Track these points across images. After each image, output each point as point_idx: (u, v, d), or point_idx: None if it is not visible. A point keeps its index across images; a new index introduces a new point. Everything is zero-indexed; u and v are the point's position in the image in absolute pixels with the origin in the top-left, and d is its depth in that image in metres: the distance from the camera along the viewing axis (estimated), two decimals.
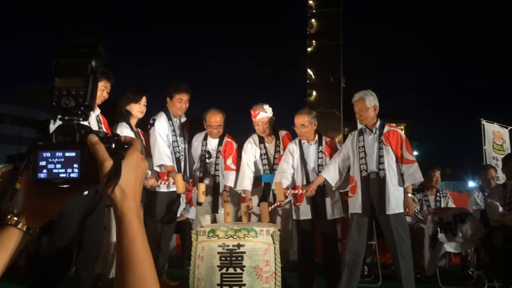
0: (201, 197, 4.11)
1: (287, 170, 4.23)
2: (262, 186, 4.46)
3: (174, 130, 4.37)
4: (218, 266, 3.15)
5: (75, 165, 0.73)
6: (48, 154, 0.74)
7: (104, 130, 3.58)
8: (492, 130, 7.48)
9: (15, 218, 0.78)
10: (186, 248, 5.55)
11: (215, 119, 4.42)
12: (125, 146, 0.76)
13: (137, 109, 4.10)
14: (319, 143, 4.29)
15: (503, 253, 4.30)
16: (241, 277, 3.14)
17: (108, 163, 0.72)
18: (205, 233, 3.25)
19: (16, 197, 6.12)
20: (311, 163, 4.23)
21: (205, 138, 4.54)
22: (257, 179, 4.45)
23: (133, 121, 4.13)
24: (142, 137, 4.24)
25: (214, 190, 4.40)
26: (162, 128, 4.28)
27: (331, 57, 12.73)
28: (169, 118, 4.37)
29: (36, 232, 0.80)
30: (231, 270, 3.15)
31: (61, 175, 0.74)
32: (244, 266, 3.14)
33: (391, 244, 3.81)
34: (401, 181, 3.91)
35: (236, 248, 3.17)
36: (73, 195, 0.80)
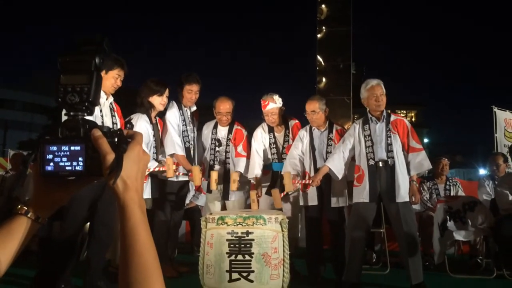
0: (213, 185, 4.13)
1: (296, 156, 4.28)
2: (271, 174, 4.48)
3: (184, 120, 4.41)
4: (227, 253, 3.19)
5: (80, 159, 0.77)
6: (55, 148, 0.77)
7: (117, 118, 3.62)
8: (504, 118, 7.41)
9: (25, 208, 0.82)
10: (195, 235, 5.60)
11: (224, 106, 4.44)
12: (128, 140, 0.79)
13: (159, 101, 4.14)
14: (330, 130, 4.30)
15: None
16: (250, 264, 3.17)
17: (110, 156, 0.75)
18: (214, 220, 3.29)
19: (26, 184, 6.23)
20: (320, 150, 4.25)
21: (215, 127, 4.57)
22: (266, 167, 4.48)
23: (153, 113, 4.18)
24: (159, 127, 4.28)
25: (224, 178, 4.42)
26: (173, 117, 4.32)
27: (341, 44, 12.63)
28: (180, 108, 4.41)
29: (44, 221, 0.83)
30: (239, 257, 3.18)
31: (67, 168, 0.77)
32: (253, 253, 3.17)
33: (398, 232, 3.81)
34: (408, 169, 3.90)
35: (245, 235, 3.20)
36: (79, 187, 0.84)
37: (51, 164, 0.77)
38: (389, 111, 4.08)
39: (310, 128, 4.34)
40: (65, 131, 0.79)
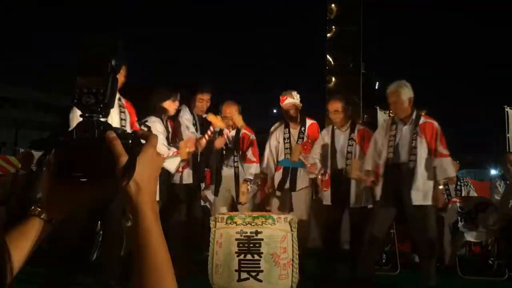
0: (242, 197, 4.25)
1: (317, 154, 4.39)
2: (282, 170, 4.55)
3: (195, 124, 4.46)
4: (236, 253, 3.19)
5: (94, 160, 0.77)
6: (69, 150, 0.77)
7: (127, 114, 3.62)
8: None
9: (38, 209, 0.82)
10: (204, 235, 5.62)
11: (230, 110, 4.50)
12: (142, 142, 0.79)
13: (173, 107, 4.23)
14: (351, 130, 4.34)
15: None
16: (259, 264, 3.17)
17: (124, 158, 0.74)
18: (223, 219, 3.29)
19: (36, 183, 6.29)
20: (341, 150, 4.30)
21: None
22: (277, 163, 4.60)
23: (165, 117, 4.25)
24: (170, 128, 4.33)
25: (235, 181, 4.48)
26: (188, 116, 4.42)
27: (351, 43, 12.58)
28: (191, 112, 4.48)
29: (57, 223, 0.84)
30: (248, 256, 3.18)
31: (81, 169, 0.77)
32: (262, 253, 3.17)
33: (415, 235, 3.79)
34: (432, 174, 3.81)
35: (254, 235, 3.20)
36: (92, 189, 0.83)
37: (65, 165, 0.77)
38: (422, 113, 4.01)
39: (333, 128, 4.42)
40: (80, 132, 0.79)
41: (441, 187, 3.90)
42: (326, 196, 4.30)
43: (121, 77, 3.58)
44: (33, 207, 0.82)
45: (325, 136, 4.42)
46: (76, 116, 3.37)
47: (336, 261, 4.27)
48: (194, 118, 4.46)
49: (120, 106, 3.60)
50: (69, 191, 0.81)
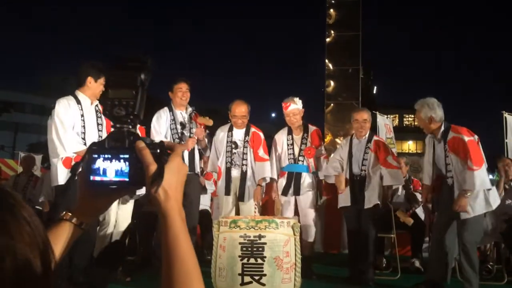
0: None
1: (336, 160, 4.58)
2: (287, 175, 4.65)
3: (174, 119, 4.42)
4: (239, 256, 3.22)
5: (125, 169, 0.82)
6: (101, 158, 0.82)
7: (103, 119, 3.84)
8: None
9: (70, 214, 0.86)
10: (205, 238, 5.64)
11: (240, 109, 4.55)
12: (168, 151, 0.83)
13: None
14: (368, 140, 4.52)
15: None
16: (262, 268, 3.20)
17: (153, 167, 0.79)
18: (227, 223, 3.32)
19: (39, 184, 6.32)
20: (357, 157, 4.48)
21: (230, 129, 4.65)
22: (281, 168, 4.70)
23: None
24: (139, 132, 4.35)
25: (241, 180, 4.52)
26: (155, 120, 4.43)
27: (350, 48, 12.64)
28: (171, 110, 4.47)
29: (87, 227, 0.88)
30: (252, 260, 3.21)
31: (112, 177, 0.82)
32: (265, 257, 3.21)
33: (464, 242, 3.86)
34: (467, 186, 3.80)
35: (257, 239, 3.23)
36: (121, 195, 0.90)
37: (97, 173, 0.82)
38: (451, 125, 3.97)
39: (351, 137, 4.64)
40: (111, 142, 0.84)
41: (468, 194, 3.81)
42: (341, 199, 4.51)
43: (101, 87, 3.77)
44: (64, 212, 0.87)
45: (343, 145, 4.67)
46: (57, 122, 3.61)
47: (363, 263, 4.36)
48: (173, 114, 4.43)
49: (97, 111, 3.81)
50: (99, 197, 0.87)
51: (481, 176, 3.75)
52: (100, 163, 0.82)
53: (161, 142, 0.84)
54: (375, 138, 4.61)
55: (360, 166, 4.44)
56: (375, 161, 4.44)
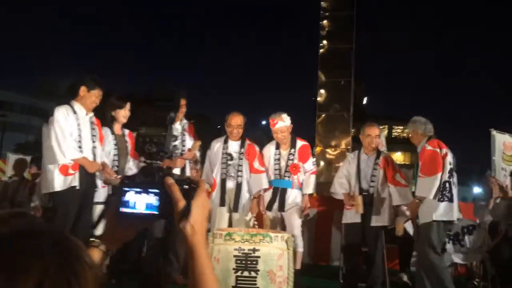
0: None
1: (343, 176, 4.65)
2: (272, 190, 4.64)
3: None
4: (233, 269, 3.26)
5: (154, 202, 0.87)
6: (132, 191, 0.87)
7: (97, 130, 4.00)
8: (503, 141, 7.48)
9: (98, 241, 0.92)
10: None
11: (235, 120, 4.60)
12: (193, 186, 0.89)
13: (122, 115, 4.32)
14: (377, 156, 4.57)
15: (509, 265, 4.38)
16: (255, 281, 3.24)
17: (182, 203, 0.85)
18: (221, 236, 3.36)
19: (36, 190, 6.28)
20: (365, 173, 4.52)
21: (226, 141, 4.67)
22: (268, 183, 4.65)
23: (117, 126, 4.36)
24: (128, 138, 4.42)
25: (236, 191, 4.55)
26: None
27: (343, 60, 12.76)
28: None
29: (113, 254, 0.94)
30: (246, 273, 3.25)
31: (142, 210, 0.87)
32: (259, 270, 3.25)
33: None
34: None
35: (251, 252, 3.27)
36: (148, 225, 0.94)
37: (128, 205, 0.87)
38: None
39: (359, 152, 4.67)
40: (142, 176, 0.90)
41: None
42: (349, 215, 4.53)
43: (96, 100, 3.97)
44: (92, 239, 0.92)
45: (351, 161, 4.69)
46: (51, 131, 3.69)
47: (355, 281, 4.51)
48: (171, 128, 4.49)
49: (91, 123, 3.95)
50: (128, 227, 0.92)
51: (424, 183, 4.05)
52: (130, 196, 0.87)
53: (188, 178, 0.90)
54: (383, 154, 4.65)
55: (369, 183, 4.48)
56: (384, 178, 4.49)
